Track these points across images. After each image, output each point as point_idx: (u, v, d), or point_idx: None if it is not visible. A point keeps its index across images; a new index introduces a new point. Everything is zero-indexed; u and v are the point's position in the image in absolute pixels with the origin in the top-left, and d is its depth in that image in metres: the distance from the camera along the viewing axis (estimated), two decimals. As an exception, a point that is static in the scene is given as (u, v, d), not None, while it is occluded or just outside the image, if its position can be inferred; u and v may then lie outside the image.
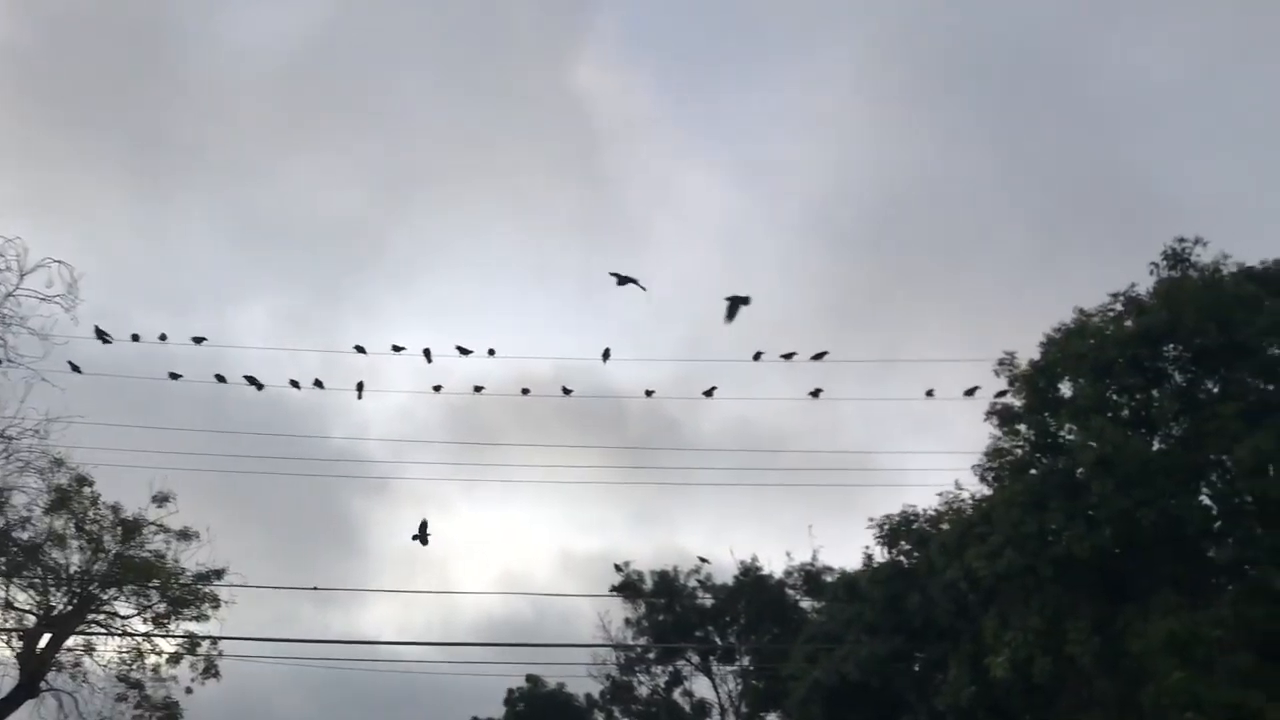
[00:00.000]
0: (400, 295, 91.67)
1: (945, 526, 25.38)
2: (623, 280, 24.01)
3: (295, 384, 28.85)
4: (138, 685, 29.40)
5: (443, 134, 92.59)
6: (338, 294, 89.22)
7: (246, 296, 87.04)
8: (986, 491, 24.37)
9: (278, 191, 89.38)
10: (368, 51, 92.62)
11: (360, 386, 28.89)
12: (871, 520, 28.08)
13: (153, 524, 29.80)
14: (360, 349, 28.02)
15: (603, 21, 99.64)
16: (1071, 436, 23.01)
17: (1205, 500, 21.69)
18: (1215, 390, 22.63)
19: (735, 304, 24.09)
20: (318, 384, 29.17)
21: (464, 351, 28.70)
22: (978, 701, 23.40)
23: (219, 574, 29.51)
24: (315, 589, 27.94)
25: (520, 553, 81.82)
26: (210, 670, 29.13)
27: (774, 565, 42.16)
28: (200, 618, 29.51)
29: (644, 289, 23.92)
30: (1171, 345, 23.04)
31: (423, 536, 27.65)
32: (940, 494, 26.50)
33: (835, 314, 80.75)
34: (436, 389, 30.17)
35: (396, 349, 28.39)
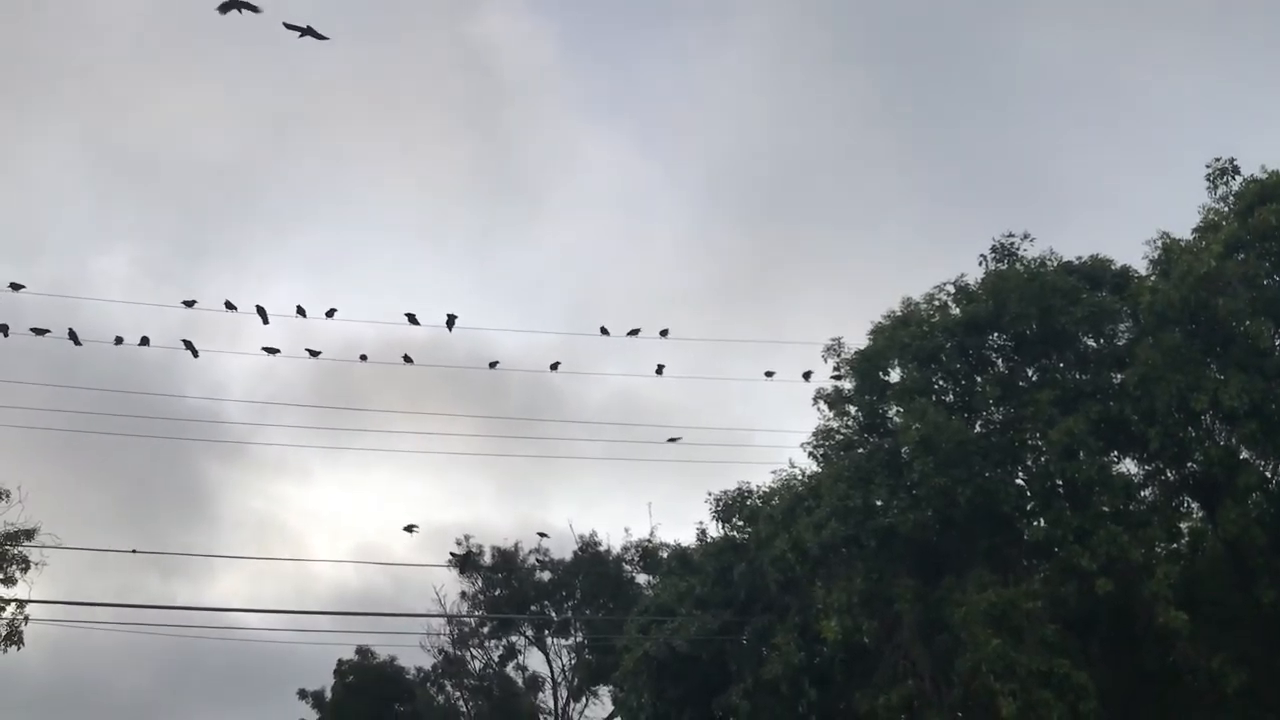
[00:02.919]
0: (274, 246, 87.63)
1: (776, 502, 25.93)
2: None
3: (119, 340, 27.40)
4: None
5: (331, 74, 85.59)
6: (205, 242, 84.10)
7: (105, 241, 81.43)
8: (816, 469, 25.03)
9: (146, 125, 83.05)
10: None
11: (189, 345, 27.64)
12: (709, 495, 28.50)
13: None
14: (189, 303, 26.85)
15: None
16: (897, 418, 23.75)
17: (1020, 481, 22.70)
18: (1034, 378, 23.70)
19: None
20: (144, 341, 27.73)
21: (301, 312, 27.77)
22: (805, 669, 23.98)
23: (29, 534, 27.86)
24: (134, 552, 26.73)
25: (380, 524, 79.88)
26: (13, 637, 27.51)
27: (613, 541, 42.50)
28: (7, 581, 27.81)
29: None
30: (995, 334, 24.01)
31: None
32: (774, 471, 27.06)
33: (729, 285, 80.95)
34: (272, 351, 29.13)
35: (229, 306, 27.24)
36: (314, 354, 29.43)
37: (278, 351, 28.78)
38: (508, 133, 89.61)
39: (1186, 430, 21.72)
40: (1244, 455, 21.30)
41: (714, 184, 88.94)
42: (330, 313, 28.52)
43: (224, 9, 18.95)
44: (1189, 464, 22.36)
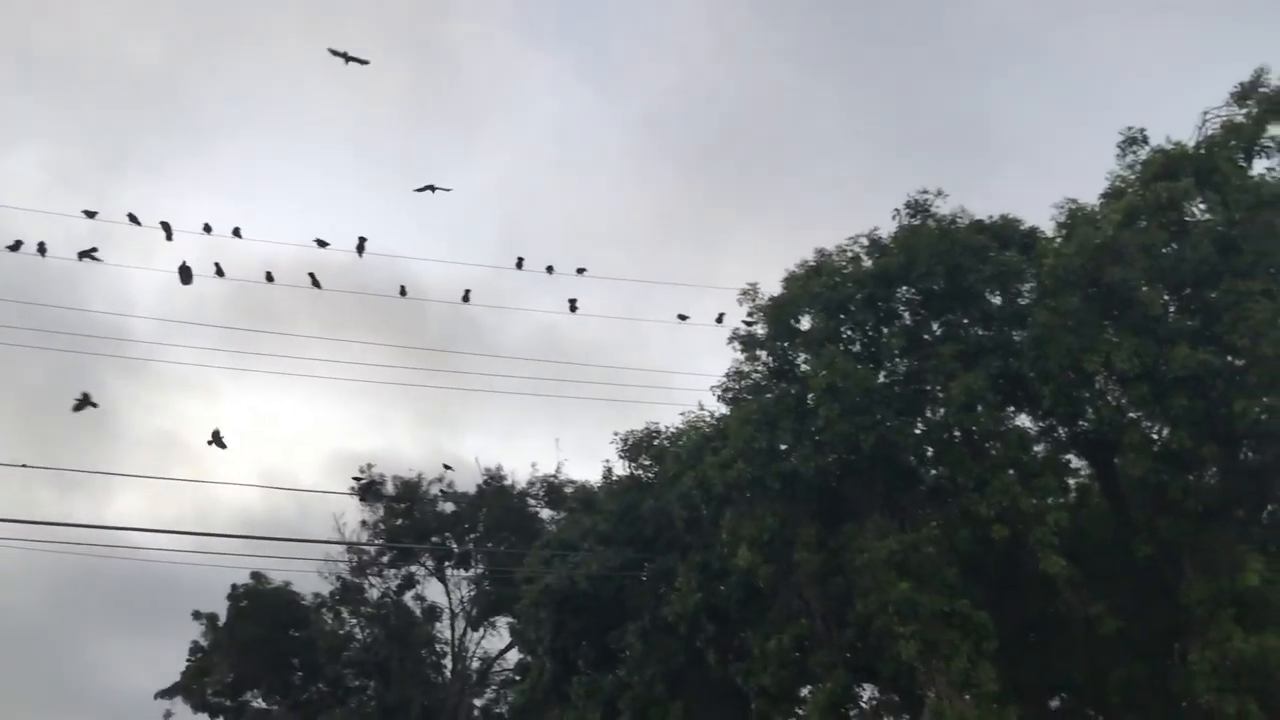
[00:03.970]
0: (196, 158, 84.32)
1: (683, 442, 26.28)
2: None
3: (15, 246, 26.37)
4: None
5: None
6: (122, 150, 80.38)
7: (10, 143, 77.55)
8: (725, 412, 25.39)
9: (64, 24, 78.82)
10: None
11: (85, 254, 26.72)
12: (616, 434, 28.73)
13: None
14: (90, 214, 25.91)
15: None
16: (806, 365, 24.17)
17: (919, 430, 23.30)
18: (938, 332, 24.27)
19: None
20: (41, 249, 26.72)
21: (207, 230, 27.08)
22: (702, 610, 24.50)
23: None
24: (25, 466, 25.96)
25: (289, 450, 78.36)
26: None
27: (519, 476, 42.67)
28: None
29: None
30: (904, 288, 24.48)
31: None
32: (683, 413, 27.36)
33: (664, 222, 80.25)
34: (185, 270, 28.36)
35: (133, 219, 26.42)
36: (219, 272, 28.77)
37: (188, 269, 28.00)
38: (446, 53, 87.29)
39: (1079, 390, 22.47)
40: (1133, 415, 22.09)
41: (653, 120, 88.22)
42: (236, 231, 27.93)
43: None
44: (1080, 422, 23.19)
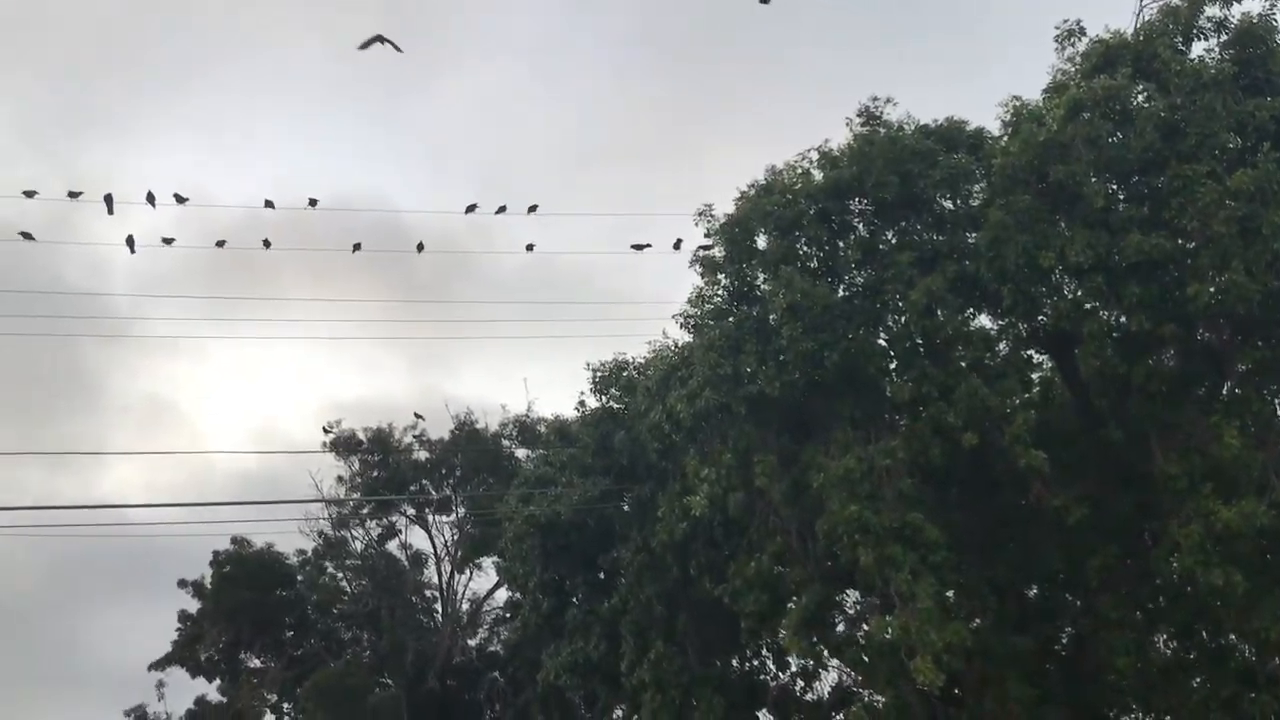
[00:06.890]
0: (163, 110, 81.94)
1: (650, 373, 26.42)
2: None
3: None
4: None
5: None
6: (84, 105, 77.42)
7: None
8: (689, 339, 25.50)
9: None
10: None
11: (27, 235, 26.38)
12: (589, 365, 28.88)
13: None
14: (29, 194, 25.43)
15: None
16: (765, 286, 24.23)
17: (882, 342, 23.52)
18: (893, 240, 24.35)
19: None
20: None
21: (150, 200, 26.76)
22: (688, 535, 24.90)
23: None
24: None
25: (280, 405, 77.26)
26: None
27: (490, 419, 42.78)
28: None
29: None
30: (857, 199, 24.50)
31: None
32: (649, 343, 27.45)
33: (652, 136, 78.45)
34: (129, 241, 28.13)
35: (73, 195, 26.05)
36: (167, 241, 28.59)
37: (132, 239, 27.75)
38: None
39: (1036, 286, 22.71)
40: (1089, 306, 22.39)
41: (638, 26, 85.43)
42: (181, 199, 27.73)
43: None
44: (1039, 317, 23.48)
